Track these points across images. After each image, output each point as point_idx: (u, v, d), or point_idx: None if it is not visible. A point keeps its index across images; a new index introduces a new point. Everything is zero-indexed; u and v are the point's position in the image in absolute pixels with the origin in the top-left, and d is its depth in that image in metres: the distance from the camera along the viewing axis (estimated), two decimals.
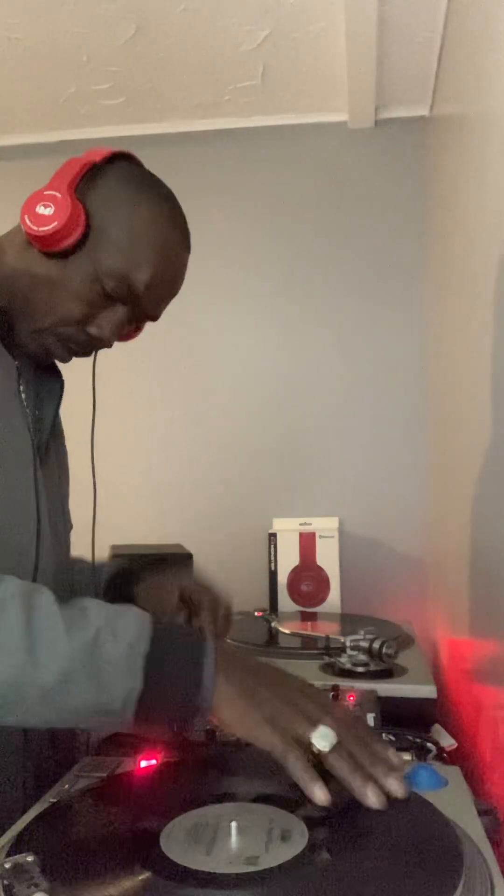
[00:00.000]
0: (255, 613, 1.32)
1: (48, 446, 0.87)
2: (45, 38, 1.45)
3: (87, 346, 0.83)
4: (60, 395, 0.89)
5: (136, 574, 0.99)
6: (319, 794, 0.55)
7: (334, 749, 0.57)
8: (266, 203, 1.76)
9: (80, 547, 0.95)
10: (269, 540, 1.63)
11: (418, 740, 0.82)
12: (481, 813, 0.60)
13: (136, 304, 0.81)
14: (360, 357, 1.70)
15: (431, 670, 1.04)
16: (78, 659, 0.56)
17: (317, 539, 1.62)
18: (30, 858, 0.48)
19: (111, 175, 0.80)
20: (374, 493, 1.67)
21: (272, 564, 1.62)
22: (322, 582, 1.59)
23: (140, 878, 0.48)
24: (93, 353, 0.86)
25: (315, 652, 1.09)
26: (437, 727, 0.90)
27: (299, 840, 0.52)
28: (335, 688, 0.88)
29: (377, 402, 1.69)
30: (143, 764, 0.71)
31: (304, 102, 1.69)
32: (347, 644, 1.00)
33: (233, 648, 0.83)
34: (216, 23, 1.41)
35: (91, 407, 0.94)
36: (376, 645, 0.98)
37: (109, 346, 0.84)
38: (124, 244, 0.77)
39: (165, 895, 0.46)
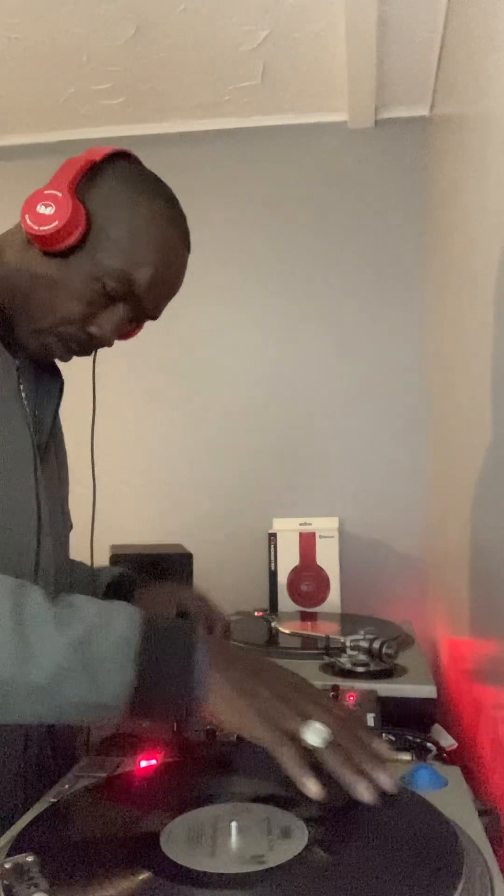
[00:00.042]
0: (255, 613, 1.32)
1: (48, 446, 0.87)
2: (45, 38, 1.46)
3: (88, 346, 0.83)
4: (60, 395, 0.89)
5: (134, 584, 0.99)
6: (311, 786, 0.55)
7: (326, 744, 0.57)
8: (266, 203, 1.76)
9: (80, 547, 0.95)
10: (269, 540, 1.63)
11: (418, 740, 0.82)
12: (481, 813, 0.60)
13: (137, 304, 0.81)
14: (359, 357, 1.70)
15: (431, 670, 1.04)
16: (70, 655, 0.56)
17: (317, 539, 1.62)
18: (30, 858, 0.48)
19: (111, 174, 0.80)
20: (374, 494, 1.67)
21: (272, 564, 1.62)
22: (322, 582, 1.59)
23: (140, 878, 0.48)
24: (93, 353, 0.86)
25: (315, 652, 1.09)
26: (437, 727, 0.90)
27: (300, 839, 0.52)
28: (335, 688, 0.88)
29: (377, 402, 1.69)
30: (143, 764, 0.71)
31: (304, 102, 1.69)
32: (347, 644, 1.00)
33: (226, 643, 0.83)
34: (216, 23, 1.42)
35: (91, 407, 0.94)
36: (376, 645, 0.98)
37: (110, 345, 0.84)
38: (124, 243, 0.77)
39: (168, 895, 0.46)
